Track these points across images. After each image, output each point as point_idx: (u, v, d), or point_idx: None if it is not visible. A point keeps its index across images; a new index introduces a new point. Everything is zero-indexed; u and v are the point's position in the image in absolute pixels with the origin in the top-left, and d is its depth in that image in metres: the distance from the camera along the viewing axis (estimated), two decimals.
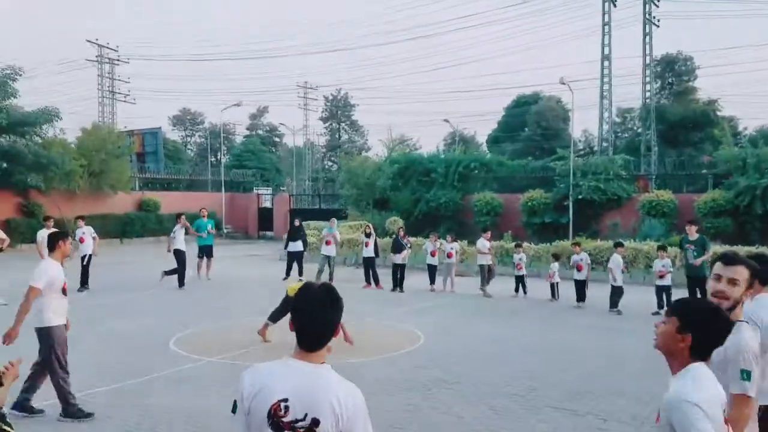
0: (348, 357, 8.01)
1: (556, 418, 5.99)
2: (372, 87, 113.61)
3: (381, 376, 7.37)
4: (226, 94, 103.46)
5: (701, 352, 2.37)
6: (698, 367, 2.35)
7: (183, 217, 15.52)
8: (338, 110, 75.26)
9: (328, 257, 15.86)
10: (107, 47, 47.47)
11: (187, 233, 15.40)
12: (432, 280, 14.82)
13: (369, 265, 15.43)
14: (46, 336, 5.82)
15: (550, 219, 24.98)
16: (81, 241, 14.01)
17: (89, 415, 5.83)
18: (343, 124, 76.66)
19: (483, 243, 14.54)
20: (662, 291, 11.46)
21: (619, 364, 8.11)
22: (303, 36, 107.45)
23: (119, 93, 47.99)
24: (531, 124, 54.17)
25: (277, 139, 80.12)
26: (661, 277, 11.54)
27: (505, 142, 55.91)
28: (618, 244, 12.86)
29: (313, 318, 2.24)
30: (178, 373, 7.46)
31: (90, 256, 14.08)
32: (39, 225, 26.24)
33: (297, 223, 17.98)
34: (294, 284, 9.25)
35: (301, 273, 16.43)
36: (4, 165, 24.60)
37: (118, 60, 48.69)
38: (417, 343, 9.20)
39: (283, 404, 2.14)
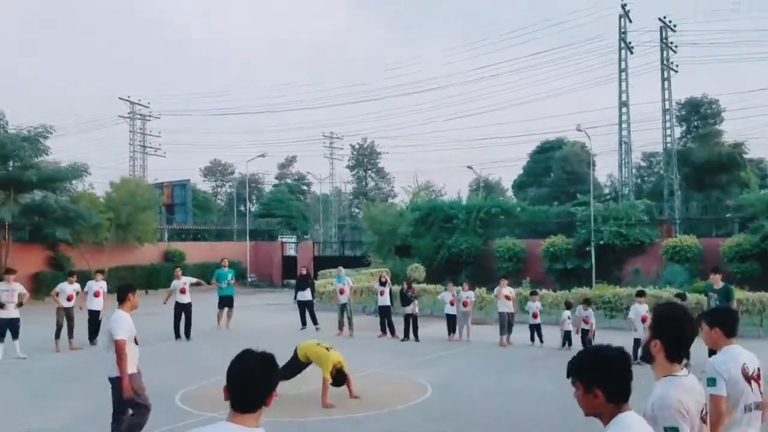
0: (353, 410, 7.97)
1: None
2: (398, 135, 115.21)
3: (384, 430, 7.28)
4: (256, 146, 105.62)
5: (617, 399, 2.40)
6: (625, 417, 2.38)
7: (178, 270, 15.75)
8: (365, 158, 76.40)
9: (343, 306, 15.85)
10: (139, 104, 49.30)
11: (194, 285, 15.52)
12: (450, 330, 14.64)
13: (384, 314, 15.35)
14: (118, 387, 6.23)
15: (572, 265, 24.67)
16: (96, 294, 14.24)
17: None
18: (369, 172, 77.70)
19: (500, 290, 14.38)
20: None
21: None
22: (330, 86, 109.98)
23: (150, 147, 49.53)
24: (556, 169, 54.07)
25: (305, 188, 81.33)
26: None
27: (530, 187, 55.86)
28: (640, 293, 12.56)
29: (246, 383, 2.33)
30: (179, 430, 7.45)
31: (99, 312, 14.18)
32: (67, 277, 27.09)
33: (304, 272, 18.08)
34: (305, 343, 9.20)
35: (315, 322, 16.43)
36: (35, 219, 25.38)
37: (149, 116, 50.49)
38: (424, 395, 9.06)
39: None
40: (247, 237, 36.44)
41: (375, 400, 8.69)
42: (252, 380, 2.34)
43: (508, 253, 26.49)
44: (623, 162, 32.20)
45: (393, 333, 14.97)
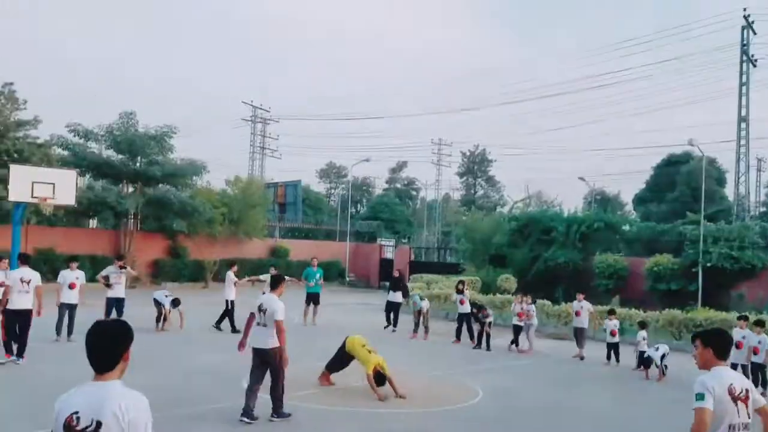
0: (396, 407, 8.35)
1: None
2: (511, 144, 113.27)
3: (413, 427, 7.57)
4: (369, 151, 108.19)
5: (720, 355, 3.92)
6: (722, 368, 3.90)
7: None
8: (475, 166, 75.99)
9: (419, 310, 16.18)
10: (260, 108, 52.42)
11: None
12: (514, 341, 14.61)
13: (462, 321, 15.54)
14: (275, 356, 7.54)
15: (676, 286, 23.38)
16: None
17: (289, 415, 7.63)
18: (479, 179, 77.16)
19: (577, 305, 14.27)
20: (756, 369, 10.45)
21: None
22: (442, 92, 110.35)
23: (268, 149, 52.47)
24: (681, 184, 50.94)
25: (413, 192, 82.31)
26: (755, 353, 10.54)
27: (651, 202, 53.08)
28: (742, 317, 11.77)
29: (97, 347, 2.78)
30: (230, 411, 7.91)
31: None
32: (183, 265, 29.50)
33: (396, 274, 18.54)
34: (353, 338, 9.69)
35: (395, 323, 16.87)
36: (157, 211, 27.93)
37: (269, 120, 53.53)
38: (471, 401, 9.23)
39: (75, 416, 2.67)
40: (348, 238, 37.68)
41: (420, 400, 8.98)
42: (102, 346, 2.78)
43: (609, 270, 25.55)
44: (738, 180, 29.95)
45: (471, 339, 15.09)
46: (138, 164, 27.37)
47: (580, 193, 68.01)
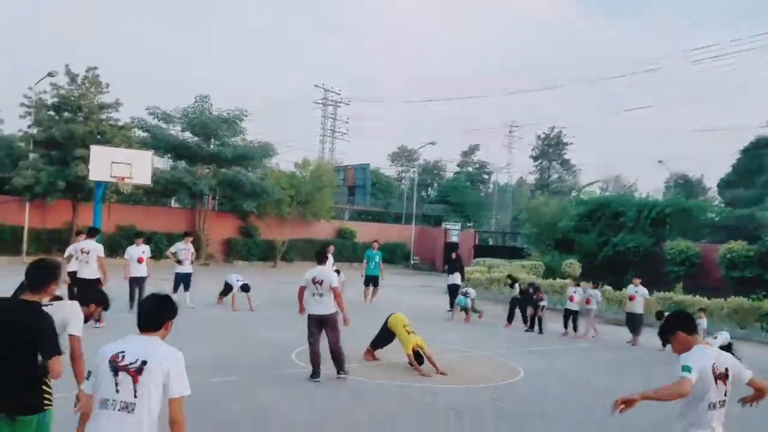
0: (435, 383, 8.60)
1: None
2: (588, 125, 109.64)
3: (447, 401, 7.78)
4: (442, 133, 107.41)
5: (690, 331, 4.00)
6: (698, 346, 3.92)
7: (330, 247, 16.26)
8: (550, 149, 74.23)
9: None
10: (331, 91, 53.19)
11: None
12: (565, 325, 14.54)
13: (514, 305, 15.56)
14: (333, 320, 8.40)
15: (751, 274, 22.23)
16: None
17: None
18: (554, 163, 75.35)
19: (632, 289, 14.00)
20: None
21: None
22: (514, 72, 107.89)
23: (338, 132, 53.26)
24: None
25: (486, 176, 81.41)
26: None
27: (738, 186, 50.36)
28: None
29: (146, 311, 3.43)
30: (285, 377, 8.58)
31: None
32: (254, 244, 30.62)
33: (453, 256, 18.63)
34: (395, 317, 9.94)
35: (452, 306, 17.02)
36: (228, 192, 29.12)
37: (340, 102, 54.25)
38: (511, 380, 9.33)
39: (120, 354, 3.22)
40: (413, 221, 37.94)
41: (460, 377, 9.16)
42: (148, 313, 3.42)
43: (680, 256, 24.55)
44: None
45: (524, 322, 15.07)
46: (211, 146, 28.59)
47: (660, 177, 65.21)
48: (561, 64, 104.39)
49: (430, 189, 76.29)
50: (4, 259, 23.42)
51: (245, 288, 14.98)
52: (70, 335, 4.17)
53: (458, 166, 79.43)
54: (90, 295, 9.92)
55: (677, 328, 4.03)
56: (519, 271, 23.42)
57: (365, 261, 18.65)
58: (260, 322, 13.11)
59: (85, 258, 11.37)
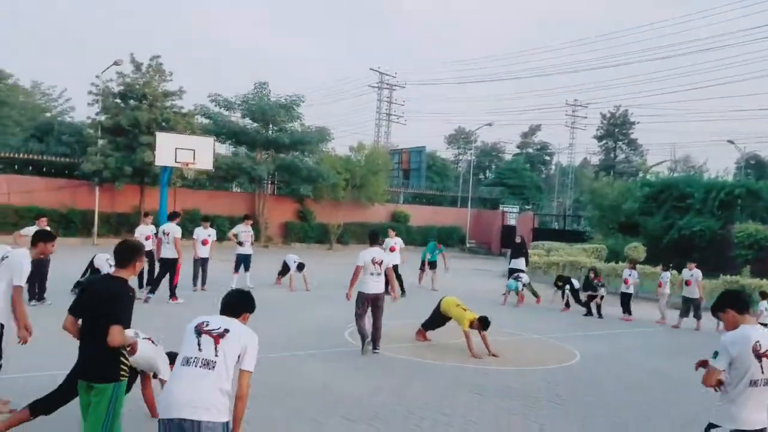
0: (487, 364, 8.58)
1: None
2: (655, 104, 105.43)
3: (498, 383, 7.72)
4: (498, 114, 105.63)
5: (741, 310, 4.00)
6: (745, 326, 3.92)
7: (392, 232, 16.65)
8: (615, 128, 71.88)
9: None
10: (387, 74, 53.07)
11: None
12: (623, 310, 14.19)
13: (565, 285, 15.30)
14: (383, 300, 8.99)
15: None
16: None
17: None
18: (620, 143, 72.99)
19: (687, 274, 13.60)
20: None
21: None
22: (578, 50, 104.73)
23: (394, 115, 53.17)
24: None
25: (547, 158, 79.68)
26: None
27: None
28: None
29: (229, 303, 3.90)
30: (339, 354, 8.76)
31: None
32: (310, 228, 31.09)
33: (518, 240, 18.31)
34: (447, 299, 9.93)
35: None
36: (286, 176, 29.62)
37: (396, 85, 54.09)
38: (565, 363, 9.17)
39: (205, 323, 3.70)
40: (469, 204, 37.61)
41: (512, 360, 9.08)
42: (230, 302, 3.90)
43: (749, 239, 23.41)
44: None
45: (582, 305, 14.76)
46: (270, 132, 29.11)
47: (731, 158, 62.17)
48: (628, 41, 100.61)
49: (487, 171, 75.35)
50: (77, 240, 24.64)
51: (301, 267, 15.28)
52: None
53: (518, 147, 78.07)
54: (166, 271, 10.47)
55: (728, 305, 4.07)
56: (580, 255, 22.91)
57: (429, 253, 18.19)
58: (316, 302, 13.33)
59: (166, 239, 12.34)
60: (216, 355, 3.50)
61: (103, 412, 3.92)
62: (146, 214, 13.95)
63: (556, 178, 64.32)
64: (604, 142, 72.37)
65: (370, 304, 8.85)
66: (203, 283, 13.95)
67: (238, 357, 3.58)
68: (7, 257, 5.37)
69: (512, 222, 35.04)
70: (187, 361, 3.53)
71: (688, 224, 25.28)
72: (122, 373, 4.08)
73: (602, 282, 14.48)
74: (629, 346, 10.94)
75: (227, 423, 3.50)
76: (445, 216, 37.52)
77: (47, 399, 4.88)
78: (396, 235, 16.20)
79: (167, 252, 12.35)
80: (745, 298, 4.16)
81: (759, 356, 3.79)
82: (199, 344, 3.54)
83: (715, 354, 3.90)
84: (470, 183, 41.31)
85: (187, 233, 26.36)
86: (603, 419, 6.59)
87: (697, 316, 13.17)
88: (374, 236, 9.43)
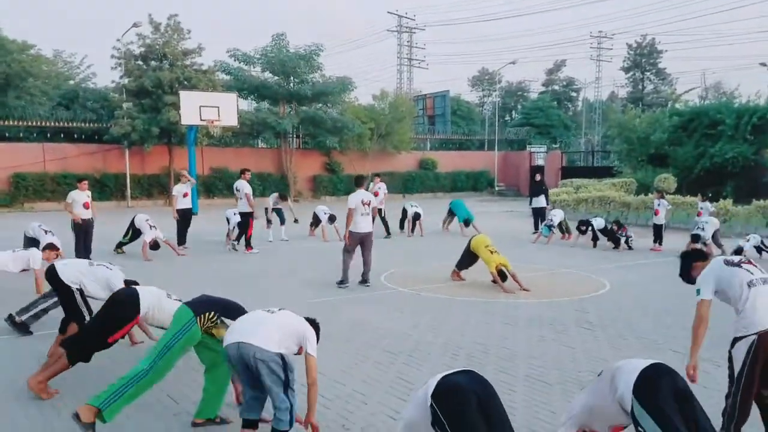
0: (518, 297, 8.84)
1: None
2: (683, 30, 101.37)
3: (530, 314, 7.98)
4: (524, 52, 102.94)
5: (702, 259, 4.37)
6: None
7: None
8: (642, 58, 69.77)
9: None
10: (405, 17, 52.03)
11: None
12: (654, 239, 14.26)
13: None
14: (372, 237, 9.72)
15: None
16: (375, 194, 14.65)
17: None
18: (647, 74, 70.97)
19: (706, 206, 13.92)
20: None
21: None
22: None
23: (415, 59, 52.37)
24: None
25: (573, 94, 78.01)
26: None
27: None
28: None
29: None
30: (375, 297, 9.11)
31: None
32: (338, 180, 31.33)
33: (537, 178, 18.36)
34: (477, 239, 10.16)
35: (536, 228, 16.93)
36: (311, 129, 29.72)
37: (415, 28, 53.08)
38: (595, 293, 9.37)
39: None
40: (495, 147, 37.35)
41: (543, 292, 9.31)
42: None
43: None
44: None
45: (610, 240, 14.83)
46: (291, 84, 29.08)
47: (765, 81, 59.92)
48: None
49: (513, 112, 74.18)
50: (112, 204, 25.36)
51: (332, 219, 15.58)
52: None
53: (543, 85, 76.42)
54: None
55: (691, 261, 4.37)
56: (609, 190, 22.78)
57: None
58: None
59: (239, 195, 13.25)
60: None
61: (169, 335, 4.27)
62: (179, 175, 14.50)
63: (583, 115, 63.11)
64: (631, 73, 70.36)
65: (359, 242, 9.60)
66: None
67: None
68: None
69: (540, 162, 34.75)
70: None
71: (720, 152, 24.83)
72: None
73: (628, 233, 14.30)
74: (659, 274, 11.03)
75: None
76: (472, 160, 37.39)
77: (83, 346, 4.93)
78: (380, 181, 16.28)
79: (241, 206, 13.20)
80: (700, 250, 4.41)
81: (736, 264, 3.99)
82: None
83: (697, 291, 4.08)
84: (496, 125, 40.88)
85: (218, 191, 26.96)
86: (633, 341, 6.80)
87: (717, 242, 13.03)
88: (360, 179, 10.04)
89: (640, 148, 27.15)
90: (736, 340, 3.97)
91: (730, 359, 3.95)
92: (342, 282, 9.60)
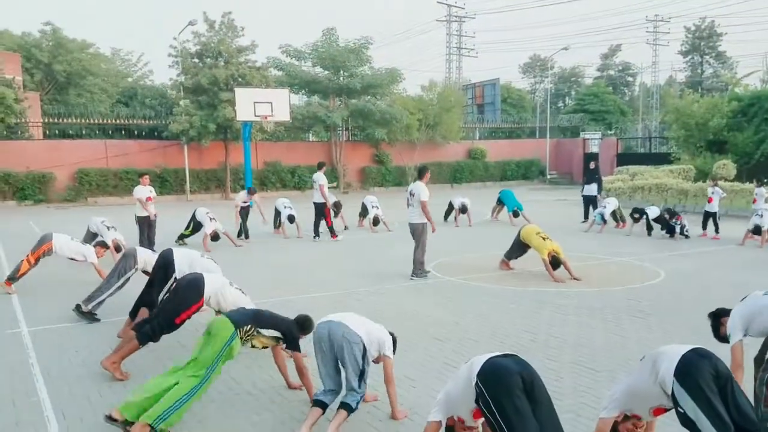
0: (569, 287, 8.86)
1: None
2: (743, 12, 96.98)
3: (581, 303, 7.98)
4: (577, 37, 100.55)
5: None
6: None
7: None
8: (701, 42, 67.25)
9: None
10: (455, 5, 51.61)
11: None
12: (703, 227, 14.05)
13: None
14: (420, 229, 9.77)
15: None
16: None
17: (428, 272, 9.87)
18: (706, 57, 68.37)
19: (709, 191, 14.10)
20: None
21: None
22: None
23: (464, 48, 51.93)
24: None
25: (630, 79, 75.88)
26: None
27: None
28: None
29: None
30: (425, 285, 9.31)
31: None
32: (387, 171, 31.56)
33: (592, 166, 18.09)
34: (527, 228, 10.17)
35: (586, 217, 16.72)
36: (360, 122, 29.98)
37: (465, 17, 52.59)
38: (650, 281, 9.27)
39: None
40: (547, 134, 36.76)
41: (595, 282, 9.27)
42: None
43: None
44: None
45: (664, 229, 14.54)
46: (341, 78, 29.38)
47: None
48: None
49: (567, 99, 72.68)
50: (172, 198, 26.28)
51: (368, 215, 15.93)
52: None
53: (598, 70, 74.60)
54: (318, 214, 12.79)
55: (719, 318, 4.42)
56: (666, 177, 22.22)
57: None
58: (398, 241, 13.84)
59: (315, 186, 14.01)
60: None
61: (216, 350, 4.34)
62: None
63: (640, 100, 61.30)
64: (689, 57, 67.92)
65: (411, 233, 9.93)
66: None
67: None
68: None
69: (594, 149, 34.03)
70: None
71: None
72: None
73: (682, 222, 13.96)
74: (715, 263, 10.80)
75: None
76: (522, 149, 36.95)
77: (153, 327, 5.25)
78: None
79: (316, 197, 13.97)
80: (721, 308, 4.52)
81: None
82: None
83: (729, 336, 4.21)
84: (548, 112, 40.23)
85: (271, 184, 27.54)
86: (685, 330, 6.74)
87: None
88: (421, 171, 10.06)
89: (698, 134, 26.33)
90: None
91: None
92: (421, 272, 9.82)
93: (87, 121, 28.72)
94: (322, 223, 14.11)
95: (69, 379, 5.41)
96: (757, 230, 12.52)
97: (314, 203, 14.06)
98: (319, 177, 14.03)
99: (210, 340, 4.37)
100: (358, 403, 4.19)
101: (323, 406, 4.24)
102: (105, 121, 29.12)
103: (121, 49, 48.17)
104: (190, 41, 26.53)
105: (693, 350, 3.17)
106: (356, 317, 4.43)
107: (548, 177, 35.90)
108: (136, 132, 29.03)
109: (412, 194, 9.72)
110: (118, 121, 29.02)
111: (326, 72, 29.50)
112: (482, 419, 3.28)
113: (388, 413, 4.58)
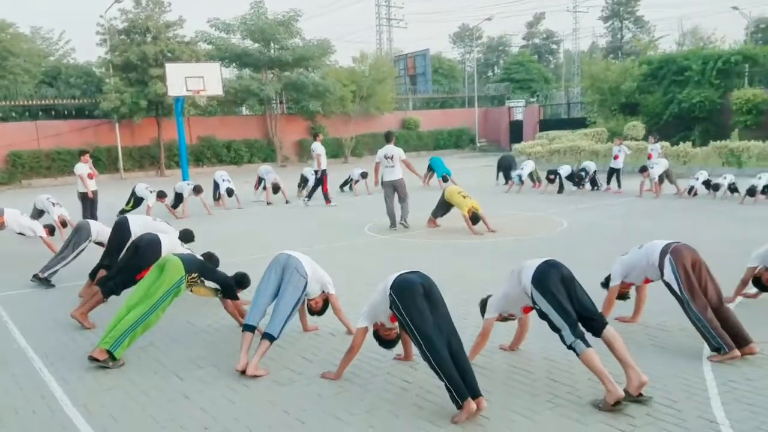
0: (485, 238, 10.01)
1: None
2: None
3: (499, 250, 9.15)
4: (502, 6, 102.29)
5: None
6: None
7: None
8: (620, 7, 70.09)
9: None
10: None
11: None
12: (608, 182, 15.73)
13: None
14: (402, 184, 11.31)
15: None
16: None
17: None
18: (626, 22, 71.38)
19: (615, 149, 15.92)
20: None
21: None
22: None
23: (394, 19, 52.63)
24: None
25: (554, 47, 78.36)
26: None
27: None
28: None
29: None
30: (361, 244, 10.28)
31: None
32: (324, 143, 32.10)
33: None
34: (449, 188, 11.36)
35: (507, 178, 18.10)
36: (293, 94, 30.42)
37: None
38: (553, 230, 10.57)
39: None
40: (475, 103, 38.17)
41: (509, 232, 10.49)
42: None
43: (747, 105, 24.14)
44: None
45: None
46: (272, 51, 29.67)
47: (741, 25, 60.39)
48: None
49: (495, 68, 74.52)
50: (106, 177, 26.18)
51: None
52: None
53: (523, 39, 76.71)
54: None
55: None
56: (581, 140, 23.87)
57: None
58: (339, 208, 14.80)
59: (312, 154, 15.27)
60: None
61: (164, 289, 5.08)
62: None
63: (563, 67, 63.67)
64: (610, 23, 70.79)
65: (392, 189, 11.26)
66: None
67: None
68: None
69: (519, 117, 35.71)
70: None
71: (687, 97, 25.98)
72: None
73: (591, 174, 15.55)
74: (613, 213, 12.26)
75: None
76: (454, 118, 38.25)
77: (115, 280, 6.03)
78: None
79: (316, 166, 15.18)
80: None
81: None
82: None
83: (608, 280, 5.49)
84: (475, 82, 41.60)
85: (207, 159, 27.74)
86: (585, 262, 7.96)
87: (671, 182, 14.35)
88: (388, 136, 11.67)
89: (611, 97, 28.21)
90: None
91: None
92: (391, 225, 11.31)
93: (12, 103, 28.02)
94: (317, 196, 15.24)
95: (44, 330, 6.12)
96: (643, 170, 14.20)
97: (314, 170, 15.40)
98: (317, 146, 15.18)
99: (161, 277, 5.11)
100: (280, 334, 4.80)
101: (252, 329, 4.91)
102: (32, 102, 28.49)
103: (41, 27, 46.28)
104: (117, 18, 26.27)
105: (545, 262, 4.24)
106: (310, 260, 5.19)
107: (478, 145, 37.40)
108: (65, 112, 28.56)
109: (388, 157, 11.16)
110: (45, 102, 28.45)
111: (256, 45, 29.69)
112: (397, 322, 4.29)
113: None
